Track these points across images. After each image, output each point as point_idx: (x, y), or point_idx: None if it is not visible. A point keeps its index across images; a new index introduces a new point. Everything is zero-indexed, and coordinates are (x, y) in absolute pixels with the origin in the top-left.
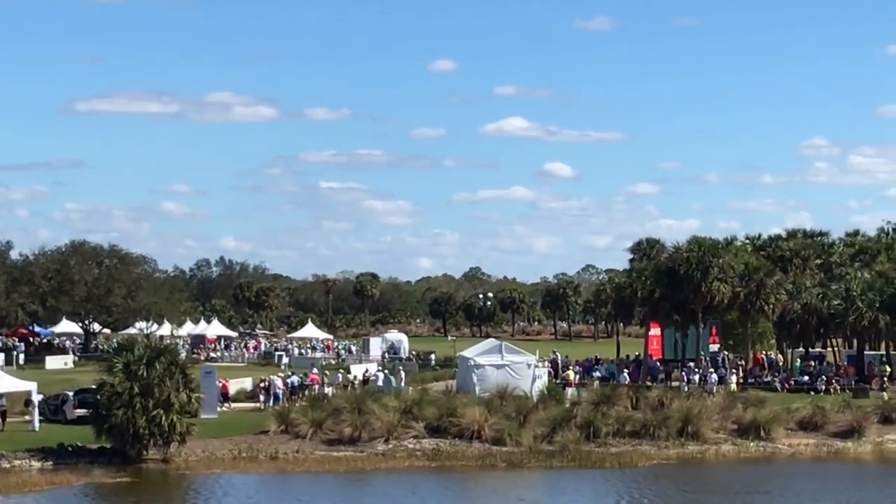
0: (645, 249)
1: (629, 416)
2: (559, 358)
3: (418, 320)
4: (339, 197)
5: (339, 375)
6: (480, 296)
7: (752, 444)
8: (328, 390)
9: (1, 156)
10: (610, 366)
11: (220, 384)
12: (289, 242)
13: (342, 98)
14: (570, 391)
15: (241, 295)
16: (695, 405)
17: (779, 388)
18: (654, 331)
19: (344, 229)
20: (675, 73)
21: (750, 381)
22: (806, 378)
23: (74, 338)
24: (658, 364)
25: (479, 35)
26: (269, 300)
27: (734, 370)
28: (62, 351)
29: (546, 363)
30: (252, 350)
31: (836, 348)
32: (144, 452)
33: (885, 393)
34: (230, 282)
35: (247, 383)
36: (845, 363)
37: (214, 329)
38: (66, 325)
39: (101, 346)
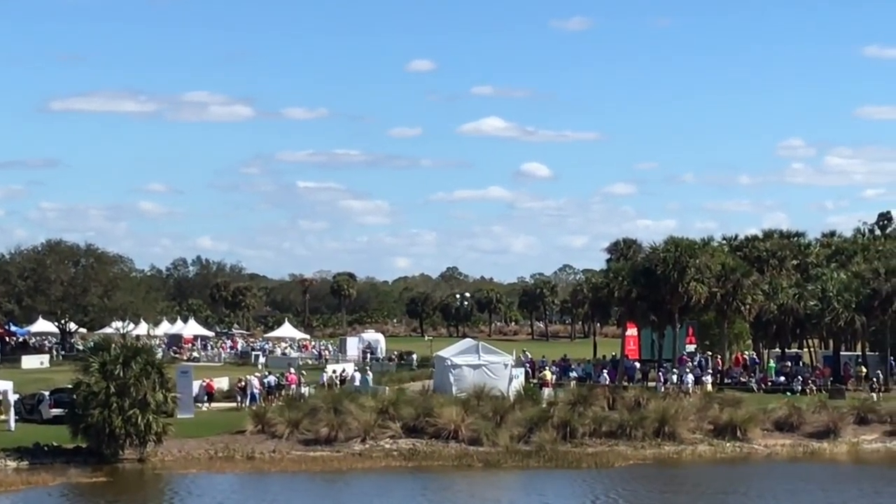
0: (622, 249)
1: (606, 416)
2: (529, 357)
3: (395, 320)
4: (316, 196)
5: (325, 374)
6: (457, 296)
7: (728, 444)
8: (305, 390)
9: None
10: (586, 366)
11: (206, 383)
12: (266, 242)
13: (319, 97)
14: (546, 391)
15: (217, 294)
16: (671, 405)
17: (755, 389)
18: (631, 331)
19: (321, 229)
20: (652, 73)
21: (726, 381)
22: (782, 378)
23: (50, 337)
24: (635, 364)
25: (456, 35)
26: (245, 300)
27: (710, 370)
28: (38, 350)
29: (522, 361)
30: (228, 350)
31: (812, 349)
32: (120, 452)
33: (874, 394)
34: (207, 281)
35: (223, 383)
36: (821, 364)
37: (191, 329)
38: (43, 325)
39: (77, 346)
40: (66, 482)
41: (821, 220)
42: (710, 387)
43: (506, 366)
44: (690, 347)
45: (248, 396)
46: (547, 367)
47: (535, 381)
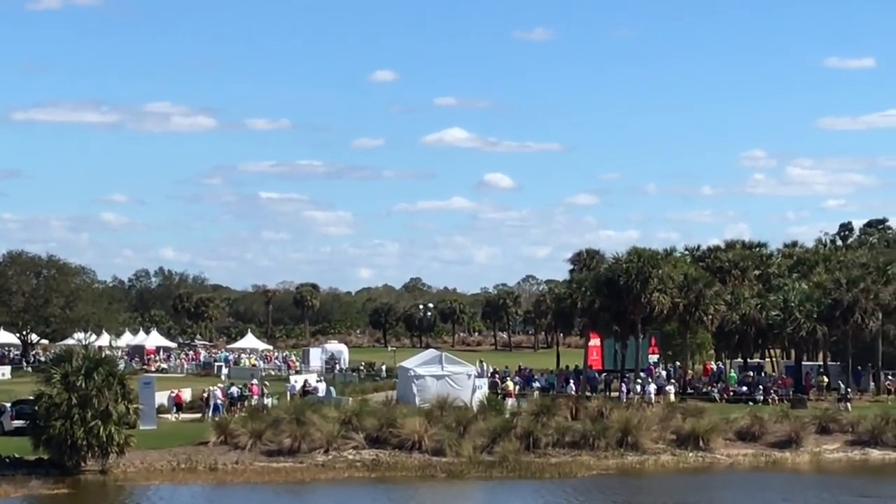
0: (585, 260)
1: (569, 426)
2: (486, 367)
3: (358, 331)
4: (278, 207)
5: (296, 384)
6: (421, 306)
7: (690, 454)
8: (268, 401)
9: None
10: (549, 376)
11: (174, 394)
12: (228, 253)
13: (282, 108)
14: (510, 402)
15: (180, 305)
16: (634, 416)
17: (717, 399)
18: (594, 341)
19: (284, 240)
20: (614, 84)
21: (689, 391)
22: (744, 388)
23: (12, 348)
24: (598, 374)
25: (419, 46)
26: (208, 311)
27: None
28: None
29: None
30: (190, 361)
31: (774, 359)
32: (83, 464)
33: (849, 404)
34: (169, 292)
35: (186, 394)
36: (783, 374)
37: (153, 340)
38: (4, 336)
39: (39, 357)
40: (27, 494)
41: (782, 231)
42: (672, 397)
43: (469, 376)
44: (653, 358)
45: (211, 407)
46: (509, 378)
47: (500, 390)
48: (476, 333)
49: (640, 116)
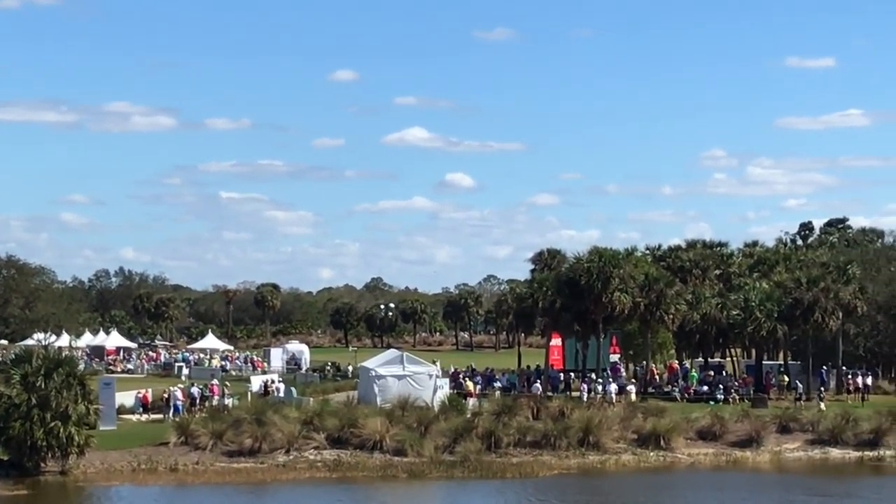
0: (546, 260)
1: (530, 426)
2: (438, 368)
3: (319, 331)
4: (239, 207)
5: (260, 383)
6: (382, 306)
7: (651, 453)
8: (229, 401)
9: None
10: (511, 376)
11: (141, 394)
12: (189, 253)
13: (243, 108)
14: (471, 401)
15: (140, 306)
16: (595, 415)
17: (678, 398)
18: (555, 341)
19: (245, 240)
20: (575, 83)
21: (650, 390)
22: (705, 388)
23: None
24: (559, 374)
25: (379, 45)
26: (168, 311)
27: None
28: None
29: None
30: (150, 361)
31: (734, 358)
32: (42, 465)
33: (822, 403)
34: (129, 292)
35: (147, 395)
36: (744, 373)
37: (114, 340)
38: None
39: None
40: None
41: (743, 231)
42: (633, 396)
43: (430, 376)
44: (614, 357)
45: (172, 408)
46: (469, 377)
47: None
48: (437, 333)
49: (601, 116)
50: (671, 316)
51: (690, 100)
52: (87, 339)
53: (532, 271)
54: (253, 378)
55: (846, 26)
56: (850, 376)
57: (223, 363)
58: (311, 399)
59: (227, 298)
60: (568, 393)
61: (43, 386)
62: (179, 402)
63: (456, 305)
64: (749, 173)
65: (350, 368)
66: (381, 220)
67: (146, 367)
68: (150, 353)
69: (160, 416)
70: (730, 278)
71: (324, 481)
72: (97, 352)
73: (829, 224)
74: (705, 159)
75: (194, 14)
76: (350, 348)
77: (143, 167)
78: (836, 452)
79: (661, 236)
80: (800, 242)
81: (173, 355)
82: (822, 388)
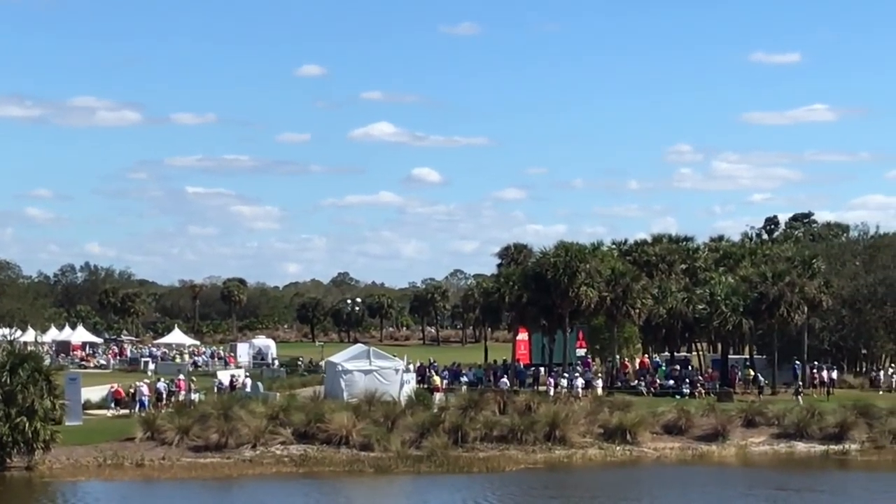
0: (512, 254)
1: (497, 420)
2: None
3: (286, 326)
4: (205, 202)
5: (226, 378)
6: (348, 301)
7: (618, 447)
8: (195, 396)
9: None
10: (477, 371)
11: (114, 389)
12: (155, 248)
13: (208, 103)
14: (437, 396)
15: (106, 301)
16: (562, 410)
17: (644, 392)
18: (522, 335)
19: (210, 234)
20: (540, 78)
21: (616, 385)
22: (671, 382)
23: None
24: (526, 369)
25: (345, 40)
26: (134, 306)
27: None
28: None
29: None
30: (115, 357)
31: (700, 352)
32: (8, 460)
33: (799, 397)
34: (95, 287)
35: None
36: (710, 367)
37: (79, 335)
38: None
39: None
40: None
41: (709, 225)
42: (600, 391)
43: (397, 371)
44: (581, 351)
45: (138, 403)
46: (436, 372)
47: (425, 385)
48: (404, 328)
49: (567, 111)
50: (637, 310)
51: (656, 95)
52: (52, 335)
53: (499, 266)
54: (219, 373)
55: (812, 21)
56: (815, 370)
57: (195, 359)
58: (278, 394)
59: (193, 293)
60: (535, 387)
61: (8, 381)
62: (145, 398)
63: (423, 300)
64: (715, 168)
65: (322, 364)
66: (348, 214)
67: (112, 362)
68: (116, 347)
69: (126, 411)
70: (696, 273)
71: (290, 476)
72: (63, 347)
73: (795, 218)
74: (671, 154)
75: (159, 8)
76: (317, 343)
77: (109, 162)
78: (801, 446)
79: (627, 231)
80: (765, 237)
81: (139, 350)
82: (800, 384)
